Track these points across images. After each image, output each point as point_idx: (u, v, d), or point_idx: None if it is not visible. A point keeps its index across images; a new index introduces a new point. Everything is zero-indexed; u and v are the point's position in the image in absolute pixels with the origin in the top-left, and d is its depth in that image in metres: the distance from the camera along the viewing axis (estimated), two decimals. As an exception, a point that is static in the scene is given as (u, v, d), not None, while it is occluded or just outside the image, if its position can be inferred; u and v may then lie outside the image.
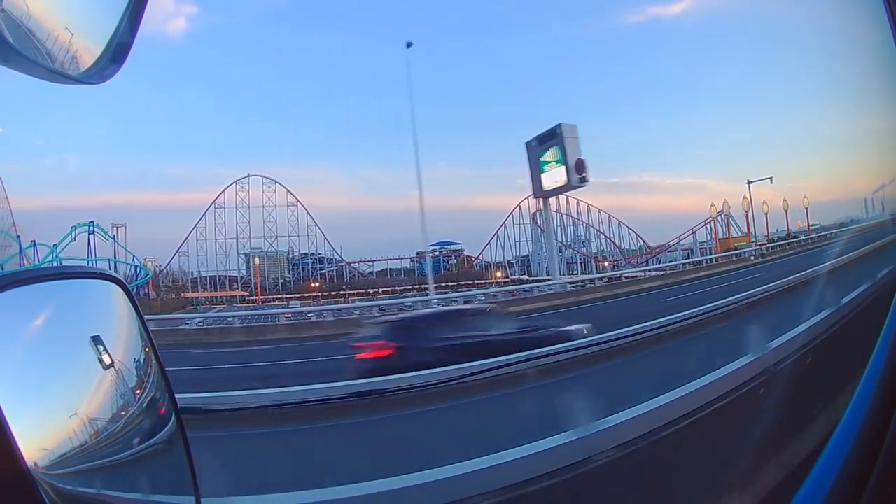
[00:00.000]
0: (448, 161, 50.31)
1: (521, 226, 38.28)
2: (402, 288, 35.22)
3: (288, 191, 37.86)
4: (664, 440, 4.13)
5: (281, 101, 49.79)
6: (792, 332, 6.06)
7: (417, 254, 38.14)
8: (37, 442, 0.74)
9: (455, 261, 38.91)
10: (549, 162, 30.19)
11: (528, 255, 38.32)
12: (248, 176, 37.19)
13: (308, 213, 37.91)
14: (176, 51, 40.61)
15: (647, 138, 53.81)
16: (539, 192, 32.14)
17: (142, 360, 1.05)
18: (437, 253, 38.07)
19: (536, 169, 30.92)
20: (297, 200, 38.03)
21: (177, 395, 1.06)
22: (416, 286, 34.22)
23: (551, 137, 29.56)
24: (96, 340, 1.00)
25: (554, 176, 30.34)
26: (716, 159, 56.41)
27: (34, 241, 33.04)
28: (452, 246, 38.50)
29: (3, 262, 31.32)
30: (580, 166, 28.90)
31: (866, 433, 1.17)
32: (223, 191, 37.00)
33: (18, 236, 32.60)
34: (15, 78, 0.82)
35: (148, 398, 1.02)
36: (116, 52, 0.95)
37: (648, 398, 4.45)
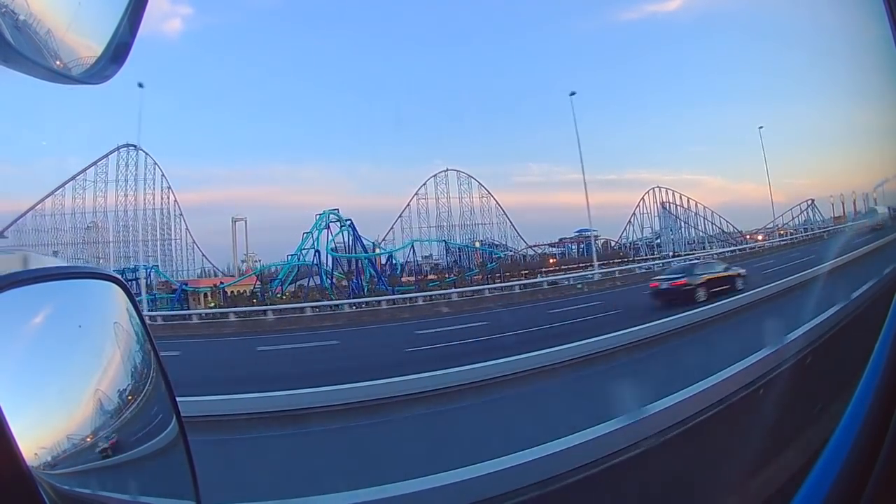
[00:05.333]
0: (445, 160, 50.51)
1: (645, 214, 44.05)
2: (576, 266, 39.82)
3: (480, 184, 41.94)
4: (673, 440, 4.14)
5: (280, 100, 49.90)
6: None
7: (560, 240, 43.23)
8: (37, 442, 0.74)
9: (594, 245, 43.67)
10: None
11: (650, 239, 43.93)
12: (447, 170, 41.36)
13: (497, 203, 42.02)
14: (175, 51, 40.61)
15: (644, 135, 54.28)
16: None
17: (142, 361, 1.04)
18: (580, 238, 42.86)
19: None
20: (489, 192, 41.95)
21: (177, 398, 1.06)
22: (579, 265, 39.37)
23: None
24: (96, 341, 1.00)
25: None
26: (714, 157, 56.75)
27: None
28: (590, 232, 42.79)
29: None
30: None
31: (866, 433, 1.17)
32: (424, 183, 41.02)
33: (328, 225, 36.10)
34: (15, 78, 0.82)
35: (148, 399, 1.02)
36: (116, 52, 0.95)
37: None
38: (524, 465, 3.76)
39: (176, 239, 38.17)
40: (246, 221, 37.46)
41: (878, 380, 1.22)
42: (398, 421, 6.83)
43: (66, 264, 1.09)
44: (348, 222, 36.69)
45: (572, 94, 34.48)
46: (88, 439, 0.85)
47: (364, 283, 35.49)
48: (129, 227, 37.17)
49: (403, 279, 37.17)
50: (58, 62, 0.88)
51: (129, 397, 0.98)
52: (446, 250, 40.52)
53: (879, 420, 1.15)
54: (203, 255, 38.18)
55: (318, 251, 35.42)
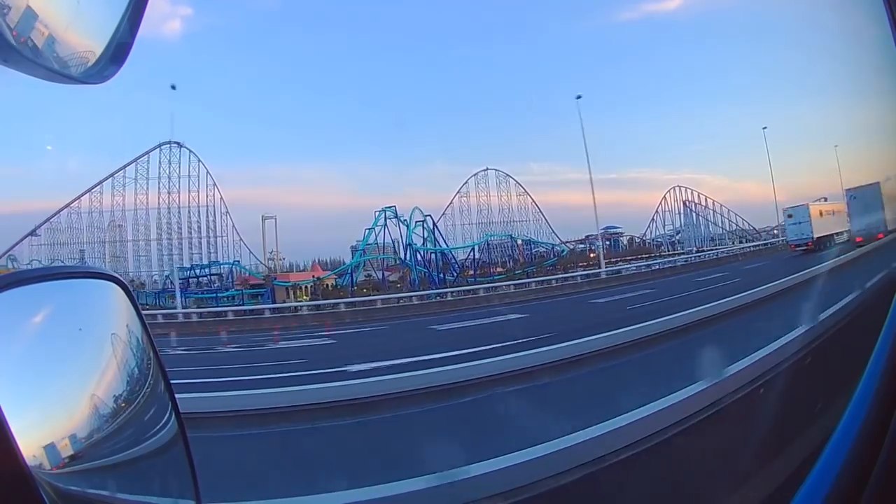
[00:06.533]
0: (445, 159, 50.73)
1: (667, 212, 46.45)
2: (609, 260, 42.16)
3: (517, 182, 43.93)
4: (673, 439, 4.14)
5: (279, 101, 50.01)
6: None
7: (586, 236, 45.01)
8: (37, 442, 0.74)
9: (621, 241, 46.17)
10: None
11: (670, 235, 46.50)
12: (487, 169, 43.40)
13: (533, 201, 43.95)
14: (175, 51, 40.72)
15: (644, 134, 54.56)
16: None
17: (142, 360, 1.04)
18: (607, 235, 44.76)
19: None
20: (525, 190, 43.94)
21: (177, 396, 1.06)
22: (610, 260, 41.96)
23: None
24: (96, 340, 1.00)
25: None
26: (714, 155, 57.10)
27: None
28: (615, 229, 44.89)
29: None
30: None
31: (866, 433, 1.17)
32: (465, 182, 43.11)
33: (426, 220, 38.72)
34: (15, 78, 0.82)
35: (148, 398, 1.02)
36: (116, 52, 0.95)
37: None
38: (524, 465, 3.76)
39: (221, 236, 38.72)
40: (276, 220, 38.07)
41: (878, 380, 1.22)
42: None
43: (66, 265, 1.09)
44: (428, 218, 39.21)
45: (578, 97, 36.84)
46: (88, 439, 0.85)
47: (447, 275, 38.47)
48: (171, 225, 37.66)
49: (492, 270, 40.23)
50: (58, 62, 0.88)
51: (129, 396, 0.98)
52: (511, 246, 42.98)
53: (879, 420, 1.15)
54: (250, 253, 38.69)
55: (409, 245, 38.60)
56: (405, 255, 38.67)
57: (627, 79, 55.25)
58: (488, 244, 42.10)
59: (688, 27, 47.65)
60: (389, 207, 38.44)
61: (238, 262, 37.22)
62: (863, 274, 8.44)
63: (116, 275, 1.04)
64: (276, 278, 35.44)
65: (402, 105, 48.14)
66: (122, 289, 1.02)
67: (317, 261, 39.71)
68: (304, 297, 34.04)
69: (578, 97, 36.35)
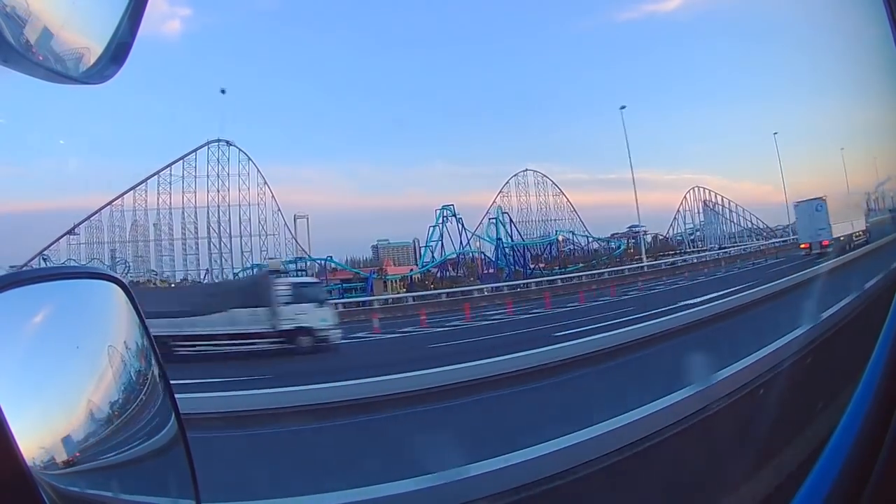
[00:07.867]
0: (445, 159, 50.84)
1: (687, 211, 47.69)
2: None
3: (553, 182, 45.58)
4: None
5: (279, 101, 50.03)
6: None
7: (612, 234, 46.58)
8: (37, 442, 0.74)
9: (645, 239, 47.27)
10: None
11: (690, 233, 48.05)
12: (526, 170, 44.69)
13: (568, 200, 45.72)
14: (175, 51, 40.75)
15: (644, 134, 54.77)
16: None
17: (142, 360, 1.04)
18: (631, 234, 46.07)
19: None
20: (561, 191, 45.71)
21: (177, 396, 1.06)
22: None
23: None
24: (96, 340, 1.00)
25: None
26: (714, 155, 57.31)
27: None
28: (639, 227, 46.18)
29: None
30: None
31: (866, 433, 1.17)
32: (507, 181, 44.38)
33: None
34: (15, 78, 0.82)
35: (148, 399, 1.02)
36: (116, 52, 0.95)
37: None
38: (524, 464, 3.76)
39: (273, 234, 38.83)
40: (308, 219, 38.76)
41: (878, 380, 1.22)
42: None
43: (66, 265, 1.09)
44: (506, 216, 41.68)
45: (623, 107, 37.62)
46: (88, 439, 0.85)
47: (532, 267, 41.20)
48: (219, 223, 37.76)
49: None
50: (58, 62, 0.88)
51: (129, 397, 0.98)
52: (572, 241, 45.64)
53: (879, 420, 1.15)
54: (303, 250, 38.72)
55: (499, 239, 41.57)
56: (496, 250, 41.02)
57: (620, 76, 55.37)
58: (558, 240, 44.47)
59: (685, 28, 47.85)
60: (447, 206, 40.76)
61: (331, 257, 37.93)
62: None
63: (116, 275, 1.04)
64: (374, 273, 37.47)
65: (404, 104, 48.31)
66: (122, 289, 1.02)
67: (348, 259, 40.74)
68: (402, 290, 36.20)
69: (623, 107, 38.34)
